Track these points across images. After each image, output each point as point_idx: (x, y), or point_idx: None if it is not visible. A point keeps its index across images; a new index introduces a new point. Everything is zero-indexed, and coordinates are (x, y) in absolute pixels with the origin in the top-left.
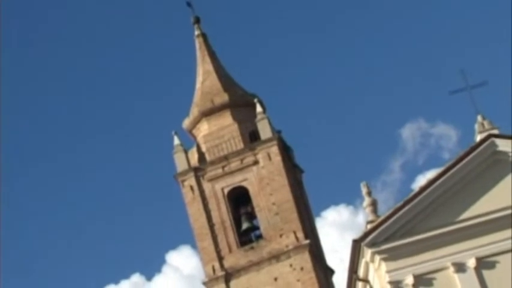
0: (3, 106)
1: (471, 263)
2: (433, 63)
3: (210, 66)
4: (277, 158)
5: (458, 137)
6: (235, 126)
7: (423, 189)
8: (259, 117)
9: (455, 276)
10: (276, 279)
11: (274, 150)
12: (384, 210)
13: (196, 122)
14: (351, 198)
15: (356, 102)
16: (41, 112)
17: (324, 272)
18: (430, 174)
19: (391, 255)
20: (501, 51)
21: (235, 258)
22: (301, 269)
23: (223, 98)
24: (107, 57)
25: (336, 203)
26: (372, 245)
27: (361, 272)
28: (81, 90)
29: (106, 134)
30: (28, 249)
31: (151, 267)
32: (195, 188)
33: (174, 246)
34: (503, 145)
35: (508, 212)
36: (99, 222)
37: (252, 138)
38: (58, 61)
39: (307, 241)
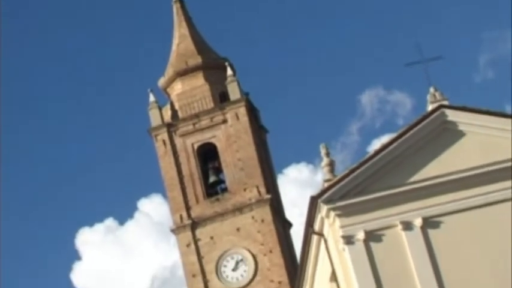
0: None
1: (418, 222)
2: (395, 36)
3: (185, 31)
4: (244, 118)
5: (412, 105)
6: (207, 86)
7: (377, 152)
8: (229, 79)
9: (403, 233)
10: (238, 229)
11: (242, 110)
12: (341, 170)
13: (170, 81)
14: (311, 158)
15: (320, 68)
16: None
17: (283, 225)
18: (385, 138)
19: (345, 212)
20: (458, 27)
21: (202, 208)
22: (262, 221)
23: (196, 60)
24: (96, 16)
25: (297, 161)
26: (328, 201)
27: (316, 226)
28: (68, 49)
29: (89, 88)
30: (11, 193)
31: (124, 213)
32: (167, 142)
33: (146, 194)
34: (452, 115)
35: (454, 176)
36: (78, 167)
37: (221, 98)
38: (45, 22)
39: (269, 196)
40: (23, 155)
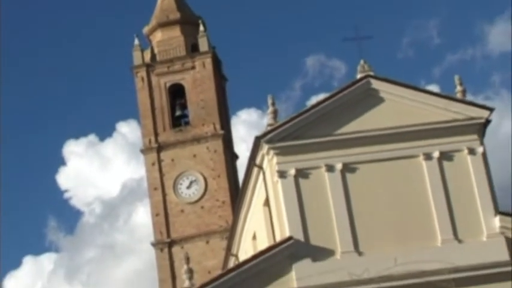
0: None
1: (339, 166)
2: (340, 14)
3: None
4: (209, 67)
5: (346, 72)
6: (182, 38)
7: (314, 106)
8: (200, 34)
9: (326, 174)
10: (194, 155)
11: (208, 61)
12: (283, 117)
13: (153, 30)
14: (260, 104)
15: (276, 32)
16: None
17: (231, 156)
18: (321, 96)
19: (281, 152)
20: (390, 12)
21: (167, 136)
22: (215, 151)
23: (176, 15)
24: None
25: (248, 106)
26: (269, 142)
27: (258, 161)
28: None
29: (87, 30)
30: (13, 105)
31: (105, 131)
32: (145, 79)
33: (124, 118)
34: (375, 84)
35: (371, 133)
36: (73, 91)
37: (193, 49)
38: None
39: (222, 132)
40: (26, 78)
